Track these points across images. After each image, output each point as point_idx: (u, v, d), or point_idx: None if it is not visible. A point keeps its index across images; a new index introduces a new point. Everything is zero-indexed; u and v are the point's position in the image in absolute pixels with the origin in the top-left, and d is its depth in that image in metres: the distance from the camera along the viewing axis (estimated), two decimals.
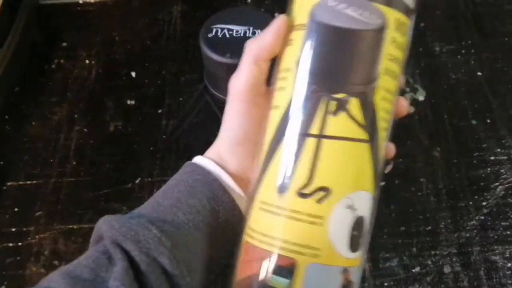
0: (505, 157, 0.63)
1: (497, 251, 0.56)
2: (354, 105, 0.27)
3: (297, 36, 0.29)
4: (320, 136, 0.27)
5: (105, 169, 0.65)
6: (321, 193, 0.27)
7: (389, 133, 0.30)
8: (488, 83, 0.69)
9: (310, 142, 0.27)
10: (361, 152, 0.27)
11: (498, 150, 0.63)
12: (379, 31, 0.27)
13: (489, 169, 0.62)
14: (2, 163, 0.67)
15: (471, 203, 0.60)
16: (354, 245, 0.28)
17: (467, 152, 0.63)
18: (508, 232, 0.57)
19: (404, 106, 0.32)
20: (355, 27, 0.27)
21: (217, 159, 0.33)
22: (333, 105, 0.27)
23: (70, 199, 0.63)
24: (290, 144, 0.28)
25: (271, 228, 0.28)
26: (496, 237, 0.57)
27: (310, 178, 0.27)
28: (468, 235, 0.57)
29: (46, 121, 0.70)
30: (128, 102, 0.71)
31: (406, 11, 0.28)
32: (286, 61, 0.29)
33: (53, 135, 0.68)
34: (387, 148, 0.31)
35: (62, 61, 0.76)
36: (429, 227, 0.58)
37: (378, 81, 0.27)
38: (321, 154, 0.27)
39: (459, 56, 0.72)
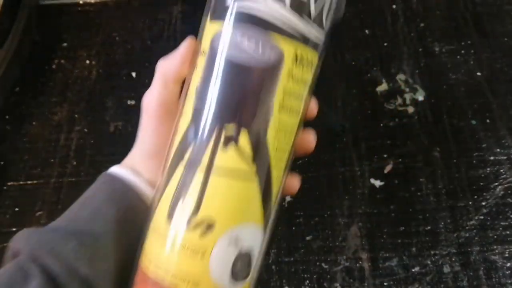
0: (505, 157, 0.63)
1: (496, 251, 0.56)
2: (243, 138, 0.27)
3: (200, 62, 0.28)
4: (209, 167, 0.27)
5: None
6: (206, 225, 0.26)
7: (287, 168, 0.29)
8: (488, 83, 0.69)
9: (199, 172, 0.27)
10: (247, 186, 0.27)
11: (498, 150, 0.63)
12: (272, 68, 0.27)
13: (488, 169, 0.62)
14: (2, 163, 0.67)
15: (470, 203, 0.60)
16: (238, 276, 0.27)
17: (467, 152, 0.63)
18: (508, 232, 0.58)
19: (310, 141, 0.31)
20: (247, 63, 0.26)
21: (132, 169, 0.33)
22: (222, 137, 0.27)
23: (70, 199, 0.62)
24: (183, 172, 0.27)
25: (155, 254, 0.28)
26: (495, 237, 0.57)
27: (196, 209, 0.27)
28: (467, 235, 0.58)
29: (46, 121, 0.70)
30: (128, 102, 0.71)
31: (310, 44, 0.28)
32: (190, 86, 0.29)
33: (53, 135, 0.68)
34: (289, 183, 0.31)
35: (62, 61, 0.76)
36: (429, 227, 0.58)
37: (271, 116, 0.27)
38: (208, 185, 0.27)
39: (459, 56, 0.72)
